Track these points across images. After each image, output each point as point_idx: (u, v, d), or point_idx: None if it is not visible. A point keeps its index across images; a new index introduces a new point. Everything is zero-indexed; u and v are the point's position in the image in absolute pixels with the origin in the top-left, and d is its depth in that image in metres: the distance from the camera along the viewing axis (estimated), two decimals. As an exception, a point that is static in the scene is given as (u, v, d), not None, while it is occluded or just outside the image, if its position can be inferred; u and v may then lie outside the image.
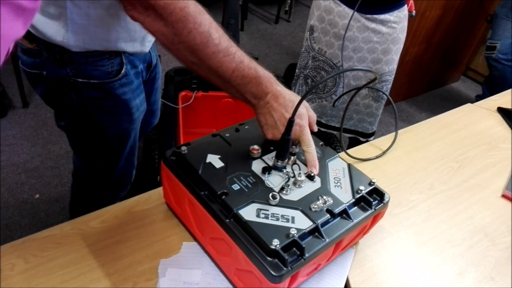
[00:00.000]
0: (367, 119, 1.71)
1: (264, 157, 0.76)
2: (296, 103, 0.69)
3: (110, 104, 0.94)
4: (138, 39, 0.92)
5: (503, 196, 0.99)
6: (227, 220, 0.64)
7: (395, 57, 1.57)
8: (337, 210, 0.67)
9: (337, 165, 0.78)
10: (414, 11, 1.49)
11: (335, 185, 0.73)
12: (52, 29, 0.81)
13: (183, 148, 0.74)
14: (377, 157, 1.04)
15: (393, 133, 1.11)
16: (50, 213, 1.81)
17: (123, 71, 0.92)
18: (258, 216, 0.64)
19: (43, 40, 0.84)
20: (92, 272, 0.69)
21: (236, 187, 0.68)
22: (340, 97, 1.56)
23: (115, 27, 0.85)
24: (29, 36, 0.85)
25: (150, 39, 0.96)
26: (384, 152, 1.05)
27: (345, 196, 0.71)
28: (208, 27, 0.67)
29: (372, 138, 1.77)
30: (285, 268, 0.59)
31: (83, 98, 0.91)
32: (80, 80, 0.89)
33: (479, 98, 2.78)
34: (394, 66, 1.59)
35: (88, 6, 0.80)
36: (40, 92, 0.95)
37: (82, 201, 1.20)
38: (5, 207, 1.80)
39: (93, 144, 1.01)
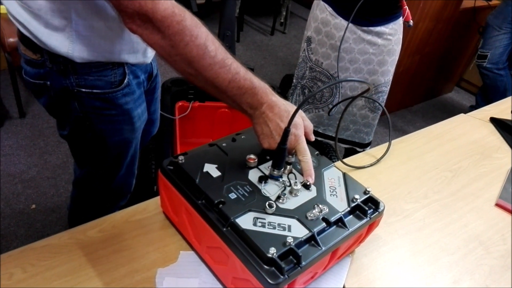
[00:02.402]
0: (363, 130, 1.72)
1: (261, 166, 0.77)
2: (291, 113, 0.70)
3: (113, 114, 0.95)
4: (141, 51, 0.94)
5: (497, 205, 1.00)
6: (224, 229, 0.65)
7: (391, 68, 1.59)
8: (333, 219, 0.68)
9: (333, 174, 0.79)
10: (411, 21, 1.51)
11: (331, 194, 0.74)
12: (57, 41, 0.83)
13: (180, 157, 0.75)
14: (371, 165, 1.05)
15: (388, 143, 1.13)
16: (46, 224, 1.80)
17: (125, 81, 0.93)
18: (255, 224, 0.65)
19: (47, 50, 0.85)
20: (89, 281, 0.70)
21: (233, 196, 0.69)
22: (335, 105, 1.58)
23: (118, 39, 0.87)
24: (33, 46, 0.86)
25: (152, 50, 0.98)
26: (378, 160, 1.07)
27: (340, 204, 0.72)
28: (205, 39, 0.69)
29: (368, 148, 1.78)
30: (282, 276, 0.59)
31: (86, 108, 0.92)
32: (84, 90, 0.90)
33: (473, 108, 2.82)
34: (389, 77, 1.61)
35: (92, 18, 0.82)
36: (43, 102, 0.96)
37: (82, 210, 1.20)
38: (2, 217, 1.79)
39: (95, 153, 1.02)
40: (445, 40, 2.77)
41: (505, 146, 1.22)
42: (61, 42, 0.83)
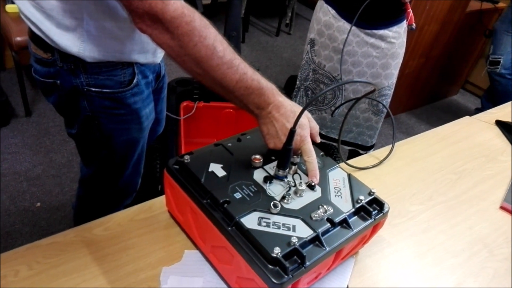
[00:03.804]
0: (366, 132, 1.72)
1: (266, 167, 0.77)
2: (297, 113, 0.70)
3: (121, 113, 0.96)
4: (151, 51, 0.94)
5: (501, 207, 1.00)
6: (229, 228, 0.65)
7: (394, 71, 1.58)
8: (337, 219, 0.68)
9: (337, 175, 0.79)
10: (414, 24, 1.51)
11: (335, 195, 0.74)
12: (68, 41, 0.83)
13: (186, 157, 0.75)
14: (374, 166, 1.06)
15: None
16: (51, 222, 1.81)
17: (134, 81, 0.94)
18: (259, 224, 0.65)
19: (58, 50, 0.86)
20: (95, 279, 0.70)
21: (238, 195, 0.69)
22: (338, 107, 1.58)
23: (128, 39, 0.88)
24: (44, 46, 0.87)
25: (162, 51, 0.98)
26: (381, 162, 1.07)
27: (345, 205, 0.72)
28: (213, 40, 0.69)
29: (371, 151, 1.78)
30: (286, 276, 0.60)
31: (95, 107, 0.93)
32: (93, 89, 0.91)
33: (478, 111, 2.80)
34: (393, 80, 1.61)
35: (103, 19, 0.83)
36: (52, 101, 0.97)
37: (88, 209, 1.21)
38: (7, 215, 1.81)
39: (102, 152, 1.03)
40: (451, 43, 2.76)
41: (510, 149, 1.21)
42: (72, 42, 0.84)
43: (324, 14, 1.51)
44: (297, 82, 1.74)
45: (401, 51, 1.55)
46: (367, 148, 1.77)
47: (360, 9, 1.34)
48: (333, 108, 1.63)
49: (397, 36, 1.49)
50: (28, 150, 2.15)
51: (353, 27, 1.44)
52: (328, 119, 1.68)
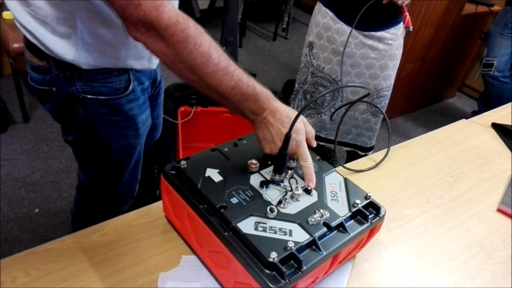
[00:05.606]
0: (365, 134, 1.73)
1: (262, 171, 0.77)
2: (292, 118, 0.70)
3: (117, 120, 0.96)
4: (146, 57, 0.95)
5: (498, 210, 1.00)
6: (226, 233, 0.65)
7: (392, 73, 1.60)
8: (333, 224, 0.69)
9: (334, 179, 0.79)
10: (411, 27, 1.53)
11: (332, 199, 0.74)
12: (63, 48, 0.84)
13: (183, 162, 0.75)
14: (369, 168, 1.06)
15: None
16: (49, 228, 1.81)
17: (130, 87, 0.94)
18: (256, 229, 0.65)
19: (53, 57, 0.86)
20: (92, 285, 0.70)
21: (234, 200, 0.70)
22: (336, 110, 1.58)
23: (123, 45, 0.88)
24: (39, 53, 0.87)
25: None
26: (377, 164, 1.07)
27: (341, 209, 0.72)
28: (208, 47, 0.70)
29: (371, 152, 1.78)
30: (283, 281, 0.60)
31: (91, 114, 0.93)
32: (89, 96, 0.91)
33: (475, 113, 2.82)
34: (391, 81, 1.62)
35: (97, 26, 0.83)
36: (48, 108, 0.97)
37: (85, 215, 1.21)
38: (5, 221, 1.80)
39: (99, 159, 1.03)
40: (447, 46, 2.78)
41: (507, 151, 1.22)
42: (67, 49, 0.84)
43: (323, 16, 1.53)
44: (296, 85, 1.74)
45: (399, 53, 1.57)
46: (366, 150, 1.78)
47: (359, 11, 1.36)
48: (332, 110, 1.64)
49: (394, 38, 1.51)
50: (26, 156, 2.15)
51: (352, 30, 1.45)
52: (327, 122, 1.69)
